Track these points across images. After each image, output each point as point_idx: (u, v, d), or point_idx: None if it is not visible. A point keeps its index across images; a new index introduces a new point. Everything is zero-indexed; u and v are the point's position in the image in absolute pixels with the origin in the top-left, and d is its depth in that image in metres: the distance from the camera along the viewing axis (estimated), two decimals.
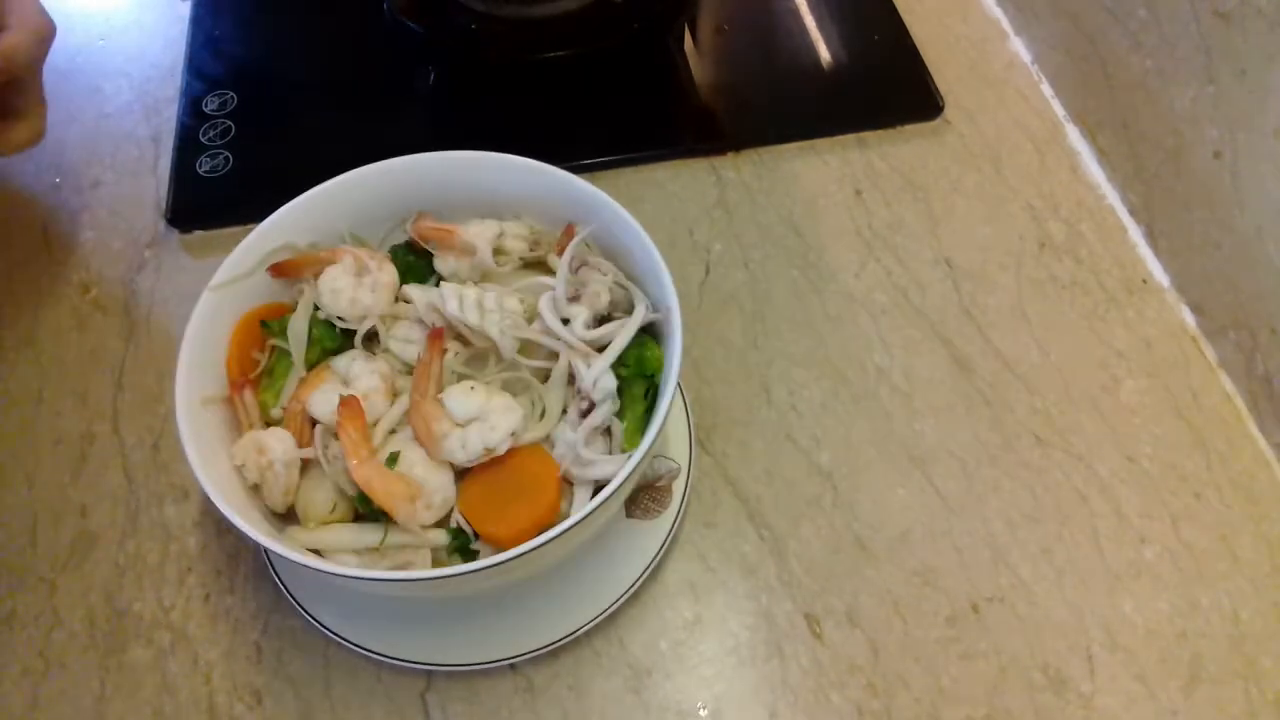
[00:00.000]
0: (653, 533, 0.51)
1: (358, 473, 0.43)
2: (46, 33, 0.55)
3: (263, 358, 0.49)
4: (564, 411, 0.46)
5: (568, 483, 0.45)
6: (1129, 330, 0.61)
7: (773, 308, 0.62)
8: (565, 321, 0.47)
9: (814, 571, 0.52)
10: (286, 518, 0.46)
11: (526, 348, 0.47)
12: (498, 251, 0.50)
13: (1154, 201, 0.63)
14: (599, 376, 0.45)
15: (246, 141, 0.68)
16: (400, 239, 0.53)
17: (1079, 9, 0.67)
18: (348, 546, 0.45)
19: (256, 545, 0.44)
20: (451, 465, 0.44)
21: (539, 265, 0.52)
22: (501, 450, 0.44)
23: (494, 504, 0.44)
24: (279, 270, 0.50)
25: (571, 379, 0.47)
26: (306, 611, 0.48)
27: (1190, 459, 0.56)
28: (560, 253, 0.48)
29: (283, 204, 0.50)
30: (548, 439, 0.46)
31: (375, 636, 0.48)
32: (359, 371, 0.47)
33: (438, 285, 0.49)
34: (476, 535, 0.44)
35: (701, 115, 0.73)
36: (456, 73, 0.74)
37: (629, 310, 0.48)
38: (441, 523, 0.45)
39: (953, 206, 0.66)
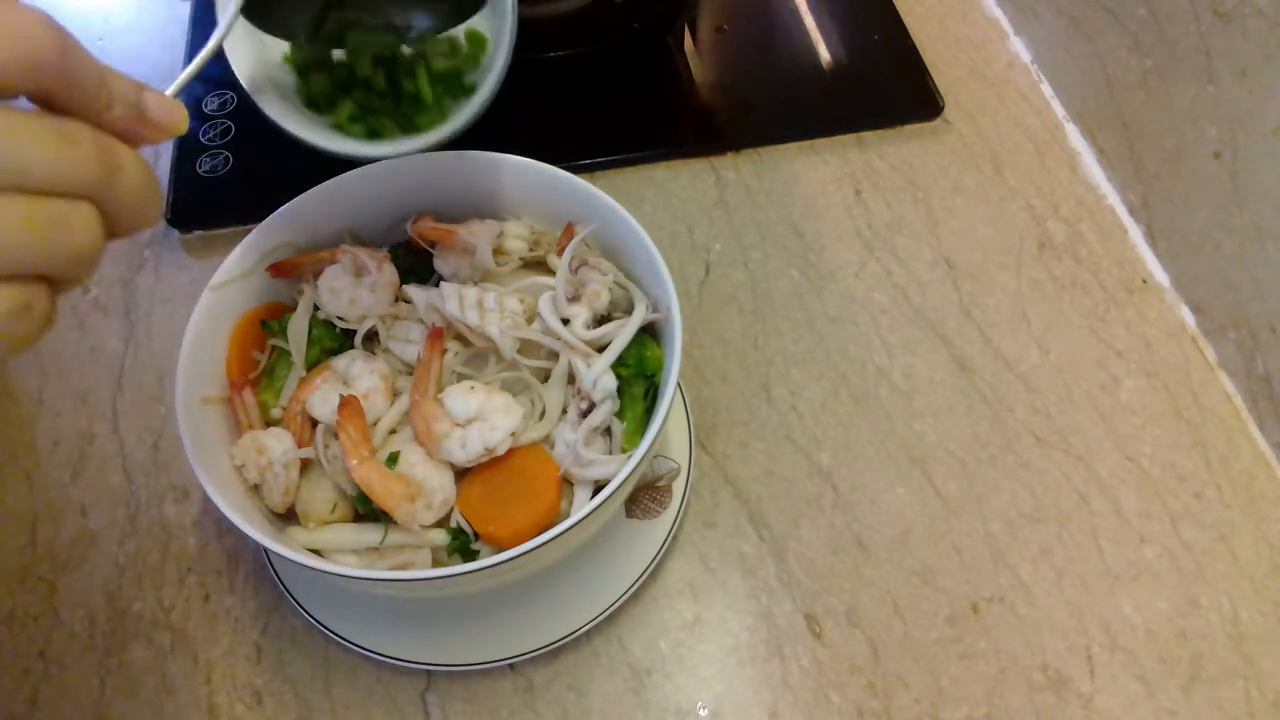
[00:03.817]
0: (653, 533, 0.51)
1: (358, 473, 0.43)
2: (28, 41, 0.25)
3: (263, 358, 0.49)
4: (564, 411, 0.46)
5: (568, 483, 0.45)
6: (1129, 330, 0.61)
7: (773, 308, 0.62)
8: (565, 321, 0.47)
9: (814, 572, 0.52)
10: (286, 518, 0.46)
11: (526, 348, 0.47)
12: (498, 251, 0.50)
13: (1154, 201, 0.63)
14: (599, 376, 0.45)
15: (246, 141, 0.68)
16: (400, 239, 0.53)
17: (1079, 9, 0.67)
18: (348, 546, 0.45)
19: (256, 545, 0.44)
20: (451, 465, 0.44)
21: (539, 265, 0.52)
22: (501, 450, 0.44)
23: (494, 504, 0.44)
24: (279, 270, 0.50)
25: (571, 379, 0.47)
26: (306, 611, 0.48)
27: (1190, 459, 0.56)
28: (560, 253, 0.48)
29: (283, 204, 0.50)
30: (548, 439, 0.46)
31: (375, 636, 0.48)
32: (359, 371, 0.47)
33: (438, 285, 0.49)
34: (476, 535, 0.44)
35: (701, 115, 0.73)
36: None
37: (629, 310, 0.48)
38: (441, 523, 0.45)
39: (953, 206, 0.66)
